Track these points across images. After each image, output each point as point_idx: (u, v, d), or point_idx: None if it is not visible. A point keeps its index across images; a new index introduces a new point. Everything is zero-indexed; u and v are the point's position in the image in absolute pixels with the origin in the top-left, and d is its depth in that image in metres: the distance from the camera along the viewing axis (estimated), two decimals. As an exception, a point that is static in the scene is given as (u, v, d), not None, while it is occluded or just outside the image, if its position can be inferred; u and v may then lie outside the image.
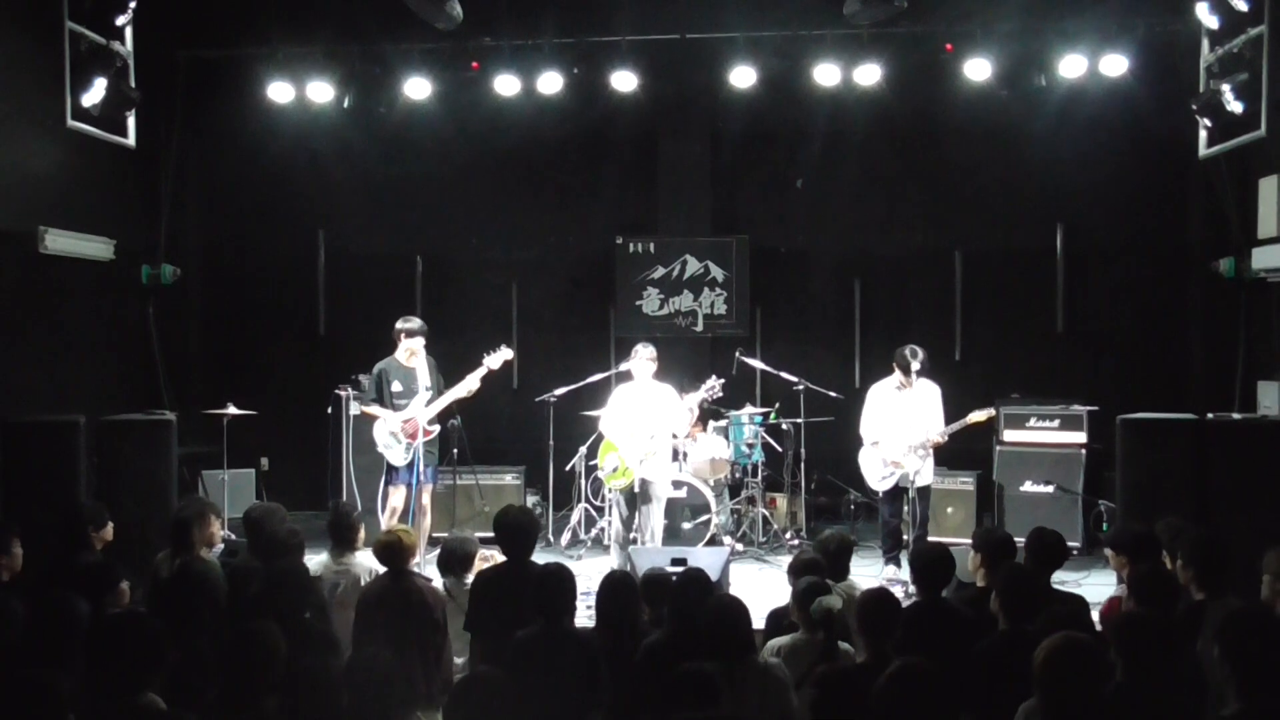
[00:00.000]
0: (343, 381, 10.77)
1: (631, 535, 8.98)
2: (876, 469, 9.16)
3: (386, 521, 8.85)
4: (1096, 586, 8.36)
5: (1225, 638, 3.80)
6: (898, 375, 9.05)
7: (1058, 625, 4.45)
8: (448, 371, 9.19)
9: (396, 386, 9.10)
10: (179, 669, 4.80)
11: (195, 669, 4.58)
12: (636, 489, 8.89)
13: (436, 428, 9.14)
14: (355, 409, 10.11)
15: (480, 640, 5.83)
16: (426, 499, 9.19)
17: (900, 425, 8.96)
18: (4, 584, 5.93)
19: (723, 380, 9.60)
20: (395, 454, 9.04)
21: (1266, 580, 5.22)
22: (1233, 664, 3.75)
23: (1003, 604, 5.10)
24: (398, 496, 9.06)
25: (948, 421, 9.11)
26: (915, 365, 8.90)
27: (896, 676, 3.76)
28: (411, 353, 9.13)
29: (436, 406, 9.00)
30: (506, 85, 10.99)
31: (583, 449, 10.46)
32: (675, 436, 9.40)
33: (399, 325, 9.21)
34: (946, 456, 9.97)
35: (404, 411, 9.01)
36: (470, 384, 9.03)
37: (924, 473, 9.05)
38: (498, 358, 9.06)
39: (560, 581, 5.35)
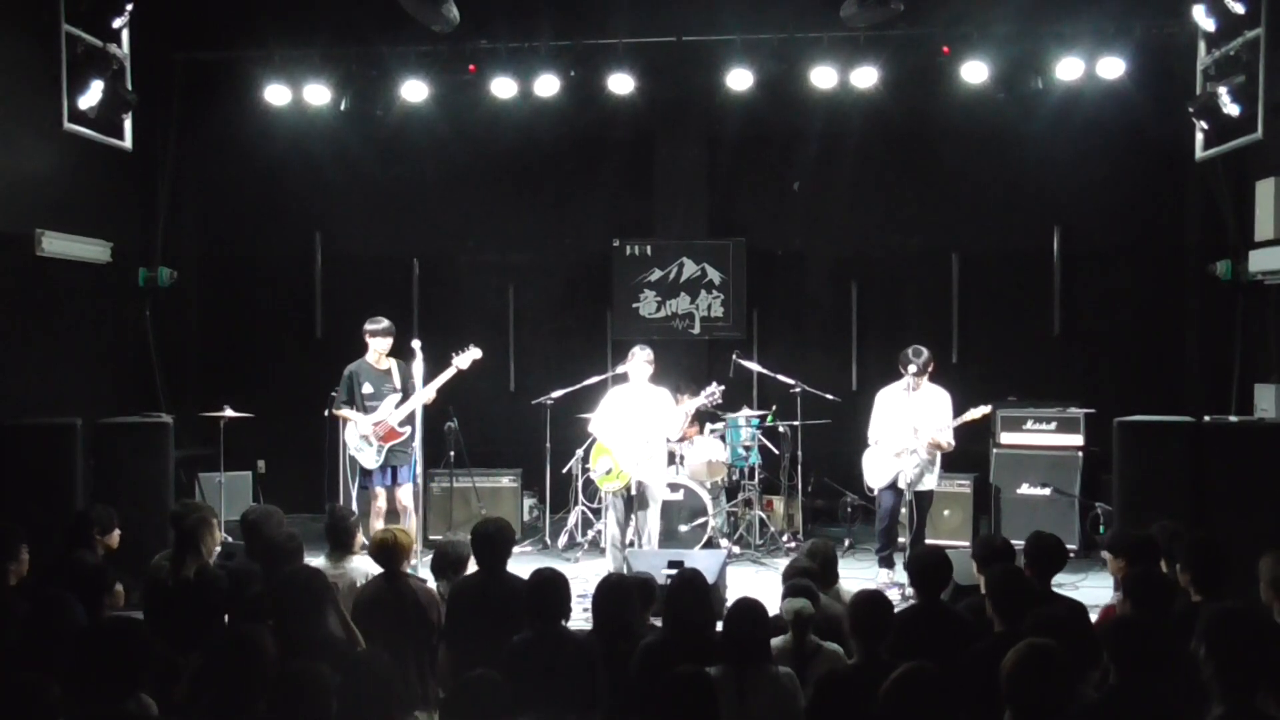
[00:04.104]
0: (339, 384, 10.76)
1: (629, 539, 8.99)
2: (874, 468, 9.14)
3: (374, 523, 8.85)
4: (1093, 589, 8.36)
5: (1209, 637, 3.79)
6: (906, 377, 9.01)
7: (1050, 626, 4.45)
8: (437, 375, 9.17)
9: (367, 388, 9.10)
10: (199, 673, 4.80)
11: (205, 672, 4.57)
12: (633, 491, 8.90)
13: (408, 429, 9.10)
14: (333, 411, 10.10)
15: (455, 649, 5.81)
16: (408, 499, 9.17)
17: (901, 427, 8.93)
18: (12, 588, 5.91)
19: (722, 387, 9.62)
20: (367, 457, 9.04)
21: (1263, 585, 5.21)
22: (1216, 663, 3.74)
23: (994, 606, 5.11)
24: (380, 499, 9.07)
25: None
26: (910, 368, 8.86)
27: (902, 680, 3.75)
28: (381, 354, 9.12)
29: (406, 408, 8.98)
30: (503, 88, 10.99)
31: (579, 451, 10.46)
32: (669, 440, 9.40)
33: (366, 326, 9.22)
34: (944, 458, 9.97)
35: (375, 414, 9.01)
36: (435, 387, 9.00)
37: (926, 479, 9.01)
38: (466, 358, 9.05)
39: (554, 586, 5.34)
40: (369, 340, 9.16)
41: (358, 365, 9.18)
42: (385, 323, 9.24)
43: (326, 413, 10.87)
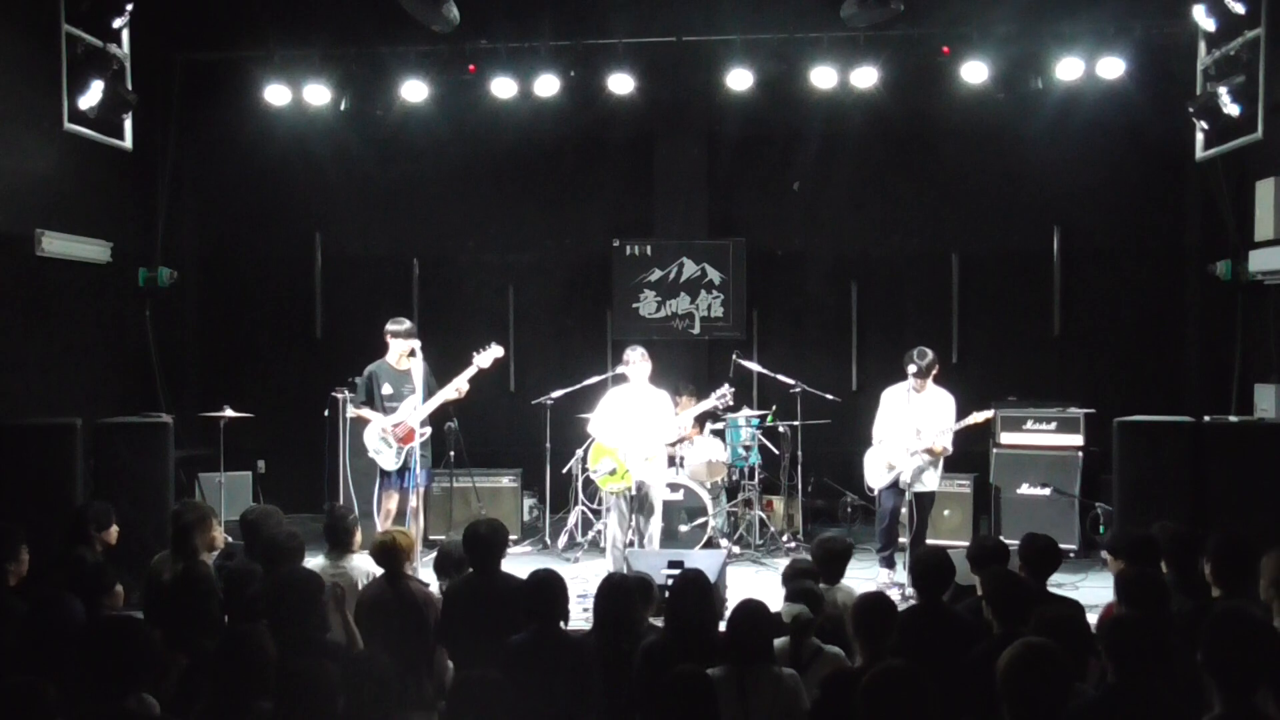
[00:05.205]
0: (339, 384, 10.77)
1: (629, 538, 8.98)
2: (875, 468, 9.14)
3: (381, 524, 8.83)
4: (1093, 589, 8.36)
5: (1209, 636, 3.80)
6: (909, 379, 8.99)
7: (1049, 627, 4.45)
8: (444, 374, 9.15)
9: (387, 389, 9.05)
10: (187, 673, 4.81)
11: (201, 673, 4.57)
12: (634, 492, 8.89)
13: (428, 430, 9.08)
14: (352, 411, 10.10)
15: (451, 651, 5.82)
16: (418, 501, 9.15)
17: (904, 428, 8.91)
18: (11, 589, 5.91)
19: (733, 389, 9.62)
20: (386, 458, 8.99)
21: (1264, 584, 5.22)
22: (1216, 662, 3.74)
23: (992, 608, 5.11)
24: (392, 500, 9.03)
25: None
26: (910, 368, 8.85)
27: (876, 679, 3.75)
28: (402, 354, 9.07)
29: (427, 409, 8.94)
30: (503, 88, 10.99)
31: (579, 451, 10.45)
32: (668, 442, 9.40)
33: (388, 327, 9.18)
34: (945, 459, 9.96)
35: (394, 415, 8.97)
36: (460, 384, 8.97)
37: (927, 480, 8.98)
38: (488, 356, 9.00)
39: (551, 586, 5.34)
40: (390, 340, 9.11)
41: (378, 366, 9.14)
42: (408, 324, 9.20)
43: (326, 412, 10.88)
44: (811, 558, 6.66)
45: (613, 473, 8.97)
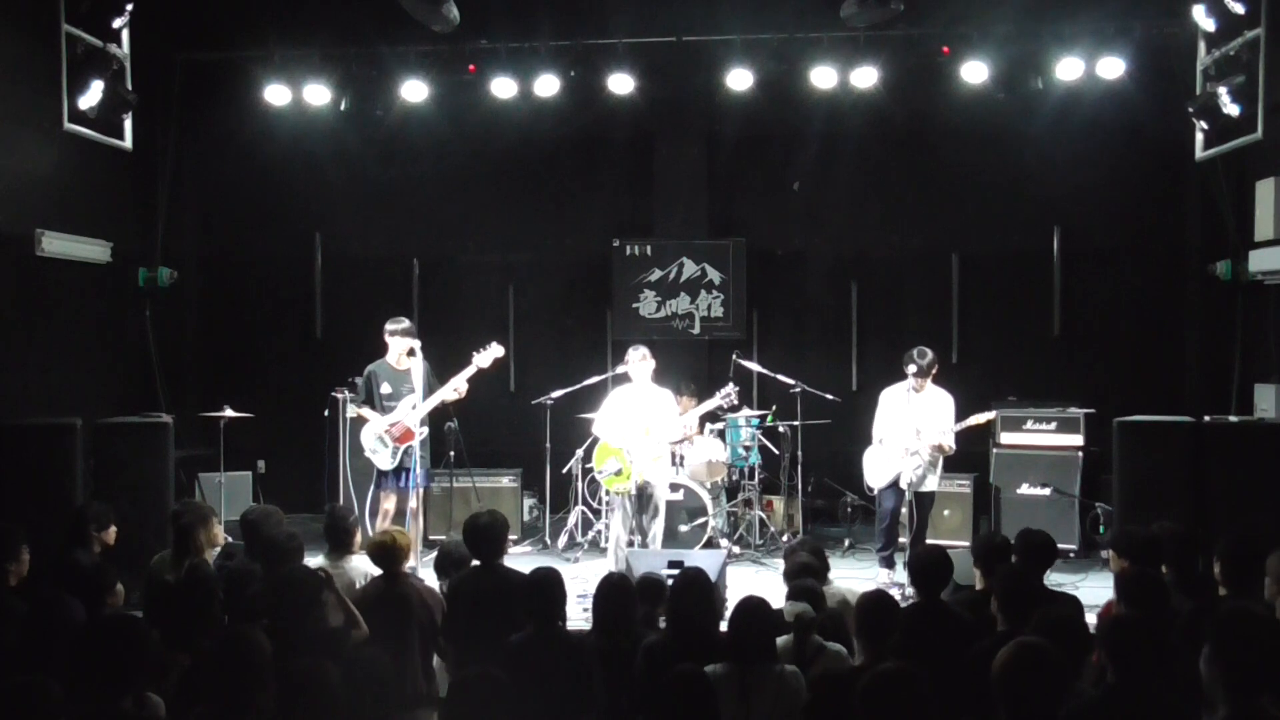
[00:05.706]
0: (339, 384, 10.77)
1: (629, 538, 8.97)
2: (874, 467, 9.13)
3: (379, 525, 8.83)
4: (1093, 589, 8.35)
5: (1216, 636, 3.79)
6: (909, 379, 8.99)
7: (1053, 625, 4.46)
8: (444, 375, 9.14)
9: (386, 389, 9.04)
10: (187, 673, 4.80)
11: (201, 673, 4.57)
12: (634, 492, 8.88)
13: (426, 429, 9.06)
14: (352, 411, 10.10)
15: (457, 645, 5.82)
16: (416, 501, 9.14)
17: (904, 428, 8.90)
18: (11, 589, 5.91)
19: (738, 389, 9.62)
20: (382, 458, 8.99)
21: (1268, 582, 5.23)
22: (1222, 663, 3.74)
23: (1000, 605, 5.12)
24: (389, 500, 9.01)
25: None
26: (910, 368, 8.85)
27: (873, 682, 3.75)
28: (401, 354, 9.06)
29: (425, 408, 8.93)
30: (503, 88, 10.98)
31: (579, 451, 10.45)
32: (670, 441, 9.40)
33: (387, 326, 9.17)
34: (944, 459, 9.96)
35: (392, 415, 8.96)
36: (459, 384, 8.96)
37: (928, 480, 8.98)
38: (487, 355, 8.98)
39: (551, 585, 5.34)
40: (389, 340, 9.11)
41: (377, 365, 9.14)
42: (406, 323, 9.19)
43: (326, 412, 10.88)
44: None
45: (618, 473, 8.96)
